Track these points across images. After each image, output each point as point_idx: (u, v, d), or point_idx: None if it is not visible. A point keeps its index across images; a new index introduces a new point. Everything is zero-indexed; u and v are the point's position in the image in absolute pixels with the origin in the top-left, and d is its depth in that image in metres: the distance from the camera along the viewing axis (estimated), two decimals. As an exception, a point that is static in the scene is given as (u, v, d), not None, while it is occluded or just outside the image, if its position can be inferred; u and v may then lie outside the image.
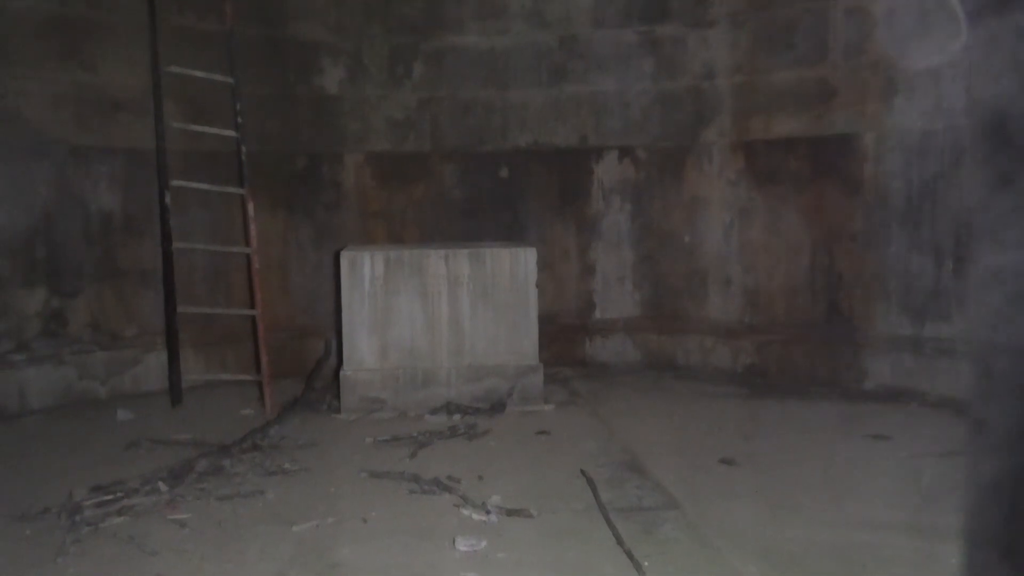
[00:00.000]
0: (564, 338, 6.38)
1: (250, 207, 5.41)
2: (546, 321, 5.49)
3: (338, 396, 5.07)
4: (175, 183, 5.31)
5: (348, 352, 5.04)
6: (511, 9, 6.50)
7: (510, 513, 3.34)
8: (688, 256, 6.40)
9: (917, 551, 2.97)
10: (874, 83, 5.45)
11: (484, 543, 3.05)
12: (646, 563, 2.86)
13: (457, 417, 4.84)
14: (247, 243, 5.46)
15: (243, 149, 5.46)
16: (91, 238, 5.53)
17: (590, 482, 3.67)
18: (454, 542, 3.06)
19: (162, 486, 3.66)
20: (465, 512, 3.38)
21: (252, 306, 5.43)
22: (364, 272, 5.03)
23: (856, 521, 3.27)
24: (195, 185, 5.42)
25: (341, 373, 5.05)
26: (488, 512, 3.34)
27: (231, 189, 5.53)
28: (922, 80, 5.17)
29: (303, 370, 5.88)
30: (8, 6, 5.09)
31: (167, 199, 5.28)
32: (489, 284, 5.11)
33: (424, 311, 5.07)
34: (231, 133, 5.48)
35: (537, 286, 5.16)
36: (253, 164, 5.54)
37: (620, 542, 3.02)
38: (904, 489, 3.59)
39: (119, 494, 3.54)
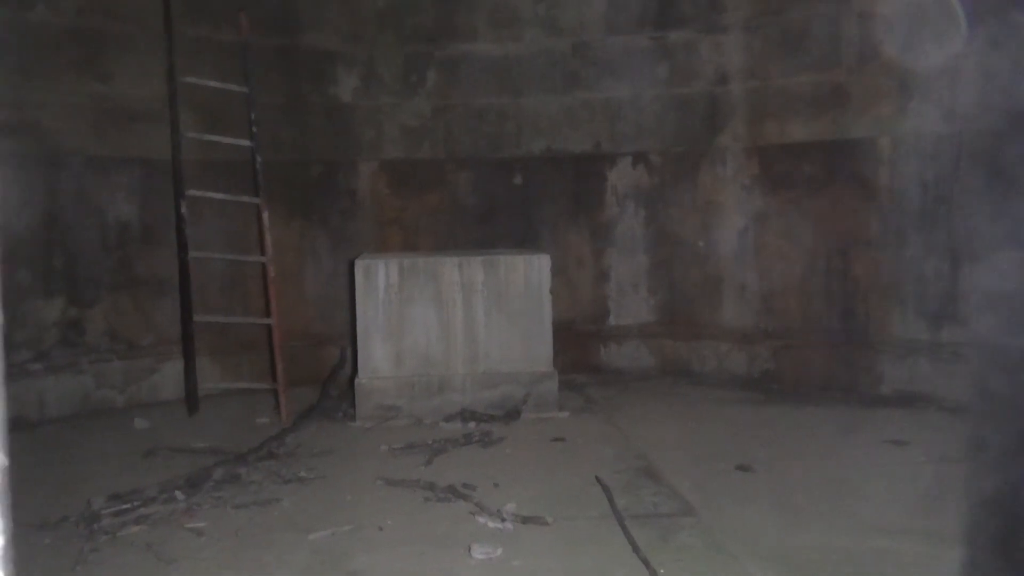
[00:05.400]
0: (579, 344, 6.37)
1: (265, 216, 5.44)
2: (560, 328, 5.48)
3: (353, 404, 5.08)
4: (191, 193, 5.35)
5: (363, 360, 5.06)
6: (524, 16, 6.51)
7: (525, 520, 3.34)
8: (703, 261, 6.37)
9: (935, 557, 2.95)
10: (888, 87, 5.42)
11: (500, 551, 3.05)
12: (662, 571, 2.85)
13: (472, 424, 4.85)
14: (262, 252, 5.49)
15: (258, 158, 5.50)
16: (108, 247, 5.57)
17: (605, 489, 3.66)
18: (470, 550, 3.06)
19: (179, 495, 3.69)
20: (480, 519, 3.38)
21: (268, 314, 5.46)
22: (379, 280, 5.05)
23: (874, 527, 3.25)
24: (211, 195, 5.46)
25: (356, 381, 5.06)
26: (503, 519, 3.34)
27: (246, 198, 5.57)
28: (936, 83, 5.14)
29: (319, 378, 5.89)
30: (26, 18, 5.15)
31: (183, 208, 5.32)
32: (503, 291, 5.11)
33: (439, 318, 5.08)
34: (246, 142, 5.52)
35: (551, 292, 5.16)
36: (268, 173, 5.57)
37: (636, 549, 3.01)
38: (922, 495, 3.56)
39: (137, 503, 3.57)
